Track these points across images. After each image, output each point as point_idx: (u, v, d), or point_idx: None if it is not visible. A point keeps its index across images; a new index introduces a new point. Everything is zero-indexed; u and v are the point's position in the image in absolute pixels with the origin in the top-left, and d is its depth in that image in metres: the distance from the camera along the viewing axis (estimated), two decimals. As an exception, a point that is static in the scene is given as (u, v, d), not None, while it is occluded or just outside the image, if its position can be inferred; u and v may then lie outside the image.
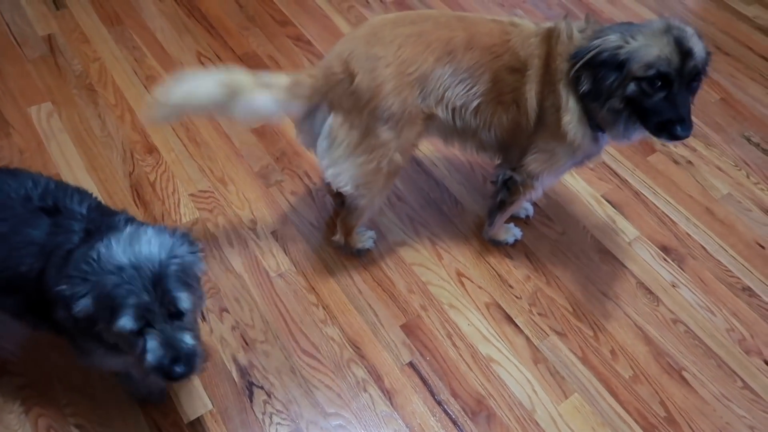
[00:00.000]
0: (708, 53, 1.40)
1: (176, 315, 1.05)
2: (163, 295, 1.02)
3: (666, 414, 1.63)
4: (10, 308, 1.27)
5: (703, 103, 2.45)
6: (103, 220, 1.17)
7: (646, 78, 1.35)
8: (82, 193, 1.26)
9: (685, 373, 1.71)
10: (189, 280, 1.08)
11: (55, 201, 1.19)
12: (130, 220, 1.18)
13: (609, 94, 1.41)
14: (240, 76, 1.49)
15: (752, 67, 2.66)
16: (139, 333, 1.03)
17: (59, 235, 1.14)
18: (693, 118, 2.33)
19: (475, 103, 1.55)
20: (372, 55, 1.45)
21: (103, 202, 1.30)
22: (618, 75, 1.38)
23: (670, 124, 1.35)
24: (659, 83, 1.35)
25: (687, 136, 1.35)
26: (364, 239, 1.86)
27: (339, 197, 1.93)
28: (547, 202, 2.08)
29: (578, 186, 2.14)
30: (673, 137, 1.36)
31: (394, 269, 1.85)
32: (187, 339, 1.07)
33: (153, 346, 1.04)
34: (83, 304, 1.01)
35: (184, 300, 1.04)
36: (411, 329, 1.72)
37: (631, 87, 1.38)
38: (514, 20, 1.58)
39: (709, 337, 1.79)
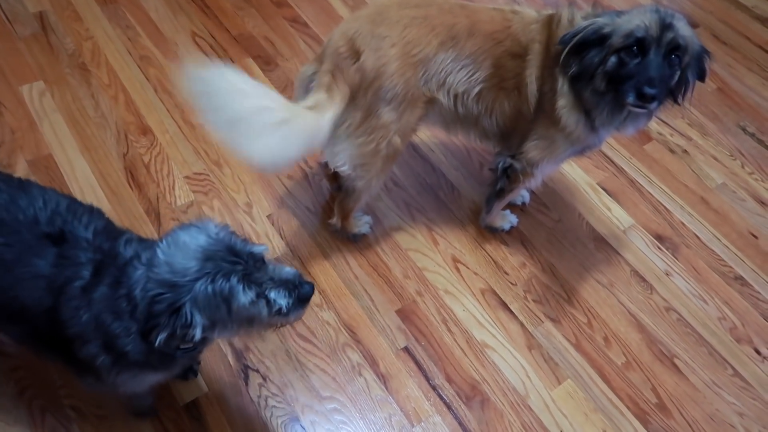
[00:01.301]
0: (704, 49, 1.42)
1: (263, 262, 1.07)
2: (244, 256, 1.02)
3: (657, 400, 1.65)
4: (14, 336, 1.23)
5: (700, 92, 2.45)
6: (110, 248, 1.12)
7: (625, 47, 1.37)
8: (91, 214, 1.19)
9: (676, 361, 1.73)
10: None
11: (61, 226, 1.13)
12: (131, 240, 1.14)
13: (593, 73, 1.42)
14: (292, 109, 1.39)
15: (749, 57, 2.66)
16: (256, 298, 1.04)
17: (66, 268, 1.09)
18: (689, 106, 2.36)
19: (476, 89, 1.55)
20: (378, 35, 1.44)
21: (111, 220, 1.24)
22: (600, 50, 1.40)
23: (639, 84, 1.35)
24: (636, 50, 1.36)
25: (653, 95, 1.34)
26: (361, 224, 1.86)
27: (335, 181, 1.92)
28: (544, 189, 2.08)
29: (574, 174, 2.14)
30: (639, 96, 1.36)
31: (390, 254, 1.85)
32: (286, 269, 1.09)
33: (275, 295, 1.05)
34: (198, 324, 0.99)
35: (259, 247, 1.06)
36: (406, 314, 1.73)
37: (612, 60, 1.39)
38: (515, 8, 1.57)
39: (701, 326, 1.81)
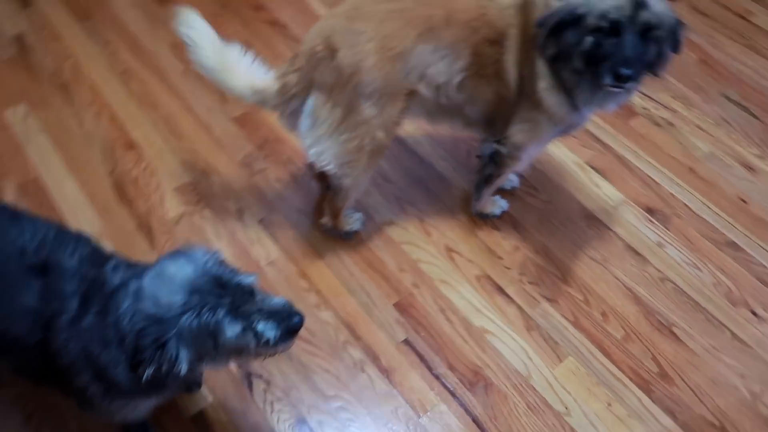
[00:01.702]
0: (678, 21, 1.42)
1: (251, 293, 1.07)
2: (232, 288, 1.03)
3: (659, 369, 1.67)
4: (11, 366, 1.24)
5: (682, 64, 2.45)
6: (97, 275, 1.12)
7: (600, 28, 1.37)
8: (78, 241, 1.19)
9: (675, 329, 1.75)
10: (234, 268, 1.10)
11: (47, 256, 1.13)
12: (118, 266, 1.14)
13: (570, 53, 1.43)
14: (232, 74, 1.55)
15: (729, 26, 2.66)
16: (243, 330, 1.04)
17: (53, 300, 1.09)
18: (672, 79, 2.38)
19: (458, 79, 1.55)
20: (354, 30, 1.45)
21: (98, 245, 1.24)
22: (576, 31, 1.40)
23: (615, 65, 1.36)
24: (611, 31, 1.37)
25: (629, 75, 1.35)
26: (352, 221, 1.87)
27: (324, 180, 1.93)
28: (532, 172, 2.09)
29: (562, 154, 2.15)
30: (616, 77, 1.37)
31: (384, 249, 1.86)
32: (275, 300, 1.09)
33: (263, 327, 1.04)
34: (184, 359, 0.99)
35: (248, 277, 1.06)
36: (404, 307, 1.74)
37: (588, 40, 1.40)
38: None
39: (697, 293, 1.83)
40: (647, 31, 1.38)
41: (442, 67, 1.54)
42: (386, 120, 1.55)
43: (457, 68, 1.54)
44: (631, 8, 1.35)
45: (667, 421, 1.58)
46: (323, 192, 1.94)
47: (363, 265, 1.82)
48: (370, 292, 1.76)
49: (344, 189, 1.68)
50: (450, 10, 1.52)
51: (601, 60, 1.39)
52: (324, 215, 1.82)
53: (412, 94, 1.56)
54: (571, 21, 1.41)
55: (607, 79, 1.38)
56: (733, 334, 1.75)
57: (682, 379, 1.66)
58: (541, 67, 1.51)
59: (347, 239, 1.86)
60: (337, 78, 1.45)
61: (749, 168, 2.16)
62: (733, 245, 1.94)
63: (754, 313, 1.80)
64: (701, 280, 1.86)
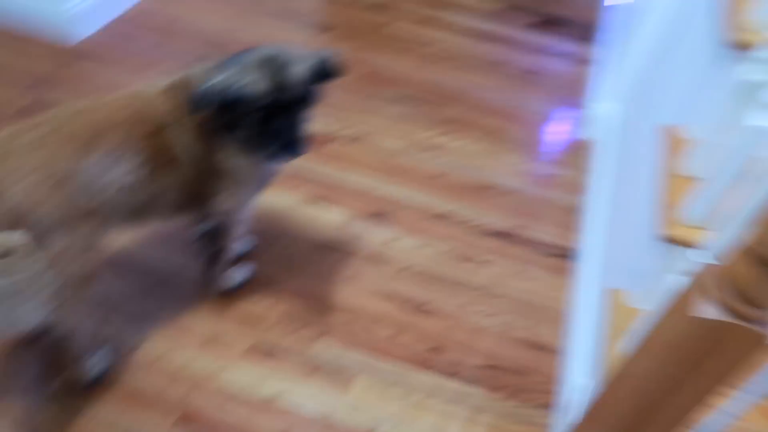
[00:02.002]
0: (326, 61, 1.51)
1: None
2: None
3: (431, 345, 1.86)
4: None
5: (350, 83, 2.76)
6: None
7: (252, 113, 1.46)
8: None
9: (427, 306, 1.97)
10: None
11: None
12: None
13: (231, 128, 1.52)
14: None
15: (374, 42, 3.11)
16: None
17: None
18: (346, 98, 2.67)
19: (139, 177, 1.51)
20: (10, 169, 1.33)
21: None
22: (230, 112, 1.48)
23: (279, 149, 1.50)
24: (265, 116, 1.46)
25: (297, 156, 1.51)
26: (96, 362, 1.69)
27: (42, 338, 1.72)
28: (260, 228, 2.15)
29: (277, 201, 2.24)
30: (284, 159, 1.54)
31: (142, 373, 1.72)
32: None
33: None
34: None
35: None
36: (187, 419, 1.64)
37: (245, 120, 1.48)
38: (138, 88, 1.58)
39: (434, 266, 2.09)
40: (299, 100, 1.48)
41: (118, 171, 1.49)
42: (83, 245, 1.45)
43: (134, 166, 1.51)
44: (276, 93, 1.43)
45: (453, 384, 1.77)
46: (49, 349, 1.72)
47: (126, 401, 1.66)
48: (144, 424, 1.62)
49: (68, 334, 1.53)
50: (104, 116, 1.48)
51: (265, 137, 1.49)
52: (60, 372, 1.62)
53: (99, 209, 1.48)
54: (224, 102, 1.44)
55: (279, 160, 1.53)
56: (470, 286, 2.04)
57: (452, 342, 1.87)
58: (215, 140, 1.57)
59: (98, 385, 1.68)
60: (13, 223, 1.31)
61: (434, 149, 2.56)
62: (444, 215, 2.27)
63: (477, 262, 2.12)
64: (432, 254, 2.13)
